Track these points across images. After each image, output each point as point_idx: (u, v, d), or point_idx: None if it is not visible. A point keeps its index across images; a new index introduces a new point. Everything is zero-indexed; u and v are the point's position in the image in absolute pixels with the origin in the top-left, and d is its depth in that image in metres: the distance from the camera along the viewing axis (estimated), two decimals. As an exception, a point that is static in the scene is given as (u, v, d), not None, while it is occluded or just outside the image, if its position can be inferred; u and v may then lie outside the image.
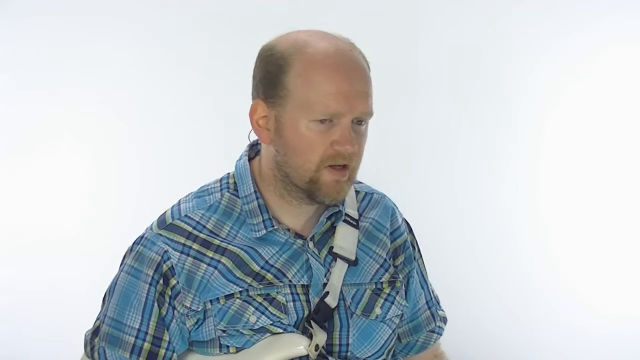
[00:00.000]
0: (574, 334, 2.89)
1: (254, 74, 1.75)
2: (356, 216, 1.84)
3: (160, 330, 1.72)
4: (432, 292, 1.97)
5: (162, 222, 1.76)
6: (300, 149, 1.67)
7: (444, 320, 1.97)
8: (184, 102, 2.95)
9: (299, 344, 1.70)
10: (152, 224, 1.78)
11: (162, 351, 1.72)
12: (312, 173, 1.67)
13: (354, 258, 1.79)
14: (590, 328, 2.88)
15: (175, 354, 1.73)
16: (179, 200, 1.81)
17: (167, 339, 1.72)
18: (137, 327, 1.72)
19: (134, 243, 1.78)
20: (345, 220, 1.81)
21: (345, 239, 1.80)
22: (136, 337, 1.72)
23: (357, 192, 1.88)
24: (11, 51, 2.87)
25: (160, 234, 1.74)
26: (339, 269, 1.77)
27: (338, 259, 1.78)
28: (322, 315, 1.73)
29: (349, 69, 1.67)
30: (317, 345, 1.70)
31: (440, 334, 1.96)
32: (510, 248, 2.94)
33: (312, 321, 1.72)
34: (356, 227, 1.82)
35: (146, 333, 1.72)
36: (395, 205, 1.93)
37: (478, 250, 2.93)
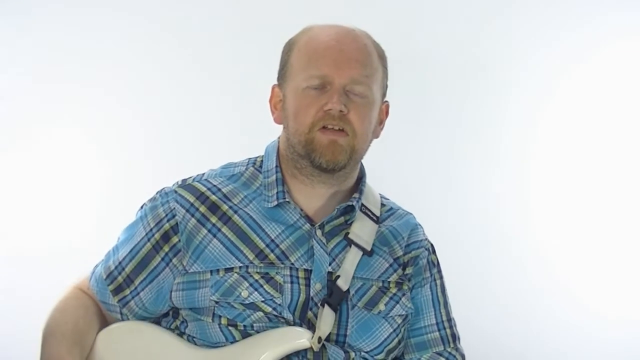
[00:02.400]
0: (571, 335, 2.87)
1: None
2: (377, 213, 1.86)
3: (135, 274, 1.79)
4: (450, 321, 1.91)
5: (183, 181, 1.84)
6: (296, 114, 1.75)
7: (463, 356, 1.91)
8: (195, 100, 2.90)
9: (302, 337, 1.70)
10: (175, 183, 1.84)
11: (127, 292, 1.80)
12: (306, 135, 1.73)
13: (369, 248, 1.80)
14: (587, 329, 2.86)
15: (134, 302, 1.79)
16: (210, 169, 1.88)
17: (136, 284, 1.79)
18: (120, 260, 1.81)
19: (158, 191, 1.85)
20: (365, 213, 1.83)
21: (363, 230, 1.81)
22: (115, 268, 1.81)
23: (382, 205, 1.90)
24: (19, 45, 2.85)
25: (176, 191, 1.81)
26: (353, 256, 1.78)
27: (352, 246, 1.79)
28: (335, 298, 1.74)
29: (343, 39, 1.76)
30: (319, 338, 1.70)
31: None
32: (505, 248, 2.92)
33: (326, 304, 1.72)
34: (376, 222, 1.84)
35: (123, 269, 1.80)
36: (420, 225, 1.94)
37: (473, 251, 2.90)
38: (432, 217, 2.65)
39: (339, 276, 1.75)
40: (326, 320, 1.72)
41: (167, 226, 1.77)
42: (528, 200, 2.93)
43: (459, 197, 2.93)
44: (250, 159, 1.88)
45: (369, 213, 1.84)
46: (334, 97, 1.72)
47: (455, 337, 1.91)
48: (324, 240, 1.78)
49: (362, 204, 1.83)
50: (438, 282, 1.92)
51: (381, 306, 1.79)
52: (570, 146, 2.92)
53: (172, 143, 2.90)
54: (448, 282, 1.94)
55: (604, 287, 2.89)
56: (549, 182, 2.92)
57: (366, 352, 1.77)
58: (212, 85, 2.89)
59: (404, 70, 2.89)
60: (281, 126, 1.83)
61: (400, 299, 1.82)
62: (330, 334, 1.73)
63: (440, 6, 2.93)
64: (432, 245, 1.94)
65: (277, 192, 1.78)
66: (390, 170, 2.90)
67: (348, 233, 1.79)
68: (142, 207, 1.85)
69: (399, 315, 1.82)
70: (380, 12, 2.91)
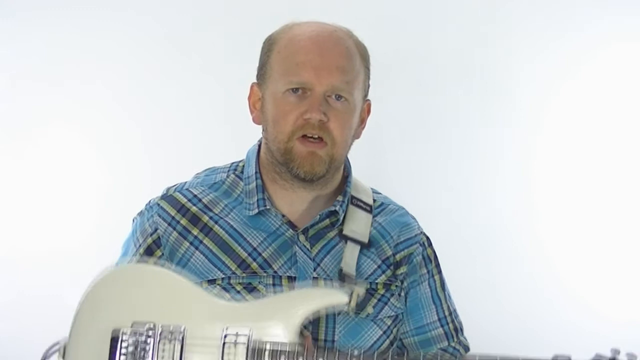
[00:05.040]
0: (575, 336, 2.80)
1: None
2: (370, 202, 1.83)
3: None
4: (451, 314, 1.89)
5: (167, 190, 1.83)
6: (275, 120, 1.73)
7: (466, 348, 1.90)
8: (194, 101, 2.90)
9: (339, 294, 1.65)
10: (163, 190, 1.85)
11: None
12: (285, 144, 1.72)
13: (366, 241, 1.78)
14: (592, 330, 2.79)
15: None
16: (195, 174, 1.88)
17: None
18: None
19: (146, 203, 1.84)
20: (358, 205, 1.81)
21: (357, 222, 1.80)
22: None
23: (373, 200, 1.86)
24: (18, 46, 2.85)
25: (158, 204, 1.81)
26: (350, 252, 1.77)
27: (349, 242, 1.77)
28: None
29: (324, 44, 1.73)
30: (358, 295, 1.69)
31: (455, 356, 1.84)
32: (508, 248, 2.88)
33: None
34: (369, 212, 1.82)
35: None
36: (414, 218, 1.90)
37: (475, 250, 2.86)
38: (436, 217, 2.65)
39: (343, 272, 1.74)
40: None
41: (149, 240, 1.78)
42: (532, 200, 2.88)
43: (461, 198, 2.89)
44: (233, 163, 1.87)
45: (361, 204, 1.82)
46: (313, 106, 1.69)
47: (457, 331, 1.88)
48: (308, 246, 1.76)
49: (352, 196, 1.81)
50: (436, 277, 1.89)
51: (369, 309, 1.77)
52: (574, 147, 2.86)
53: (171, 144, 2.89)
54: (451, 283, 1.93)
55: (608, 288, 2.84)
56: (553, 183, 2.87)
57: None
58: (211, 85, 2.89)
59: (407, 71, 2.87)
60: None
61: (389, 299, 1.80)
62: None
63: (444, 6, 2.90)
64: (427, 238, 1.90)
65: (257, 200, 1.77)
66: (394, 171, 2.87)
67: (342, 230, 1.78)
68: (134, 220, 1.84)
69: (389, 317, 1.80)
70: (382, 11, 2.88)
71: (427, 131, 2.90)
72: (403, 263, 1.83)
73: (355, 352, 1.59)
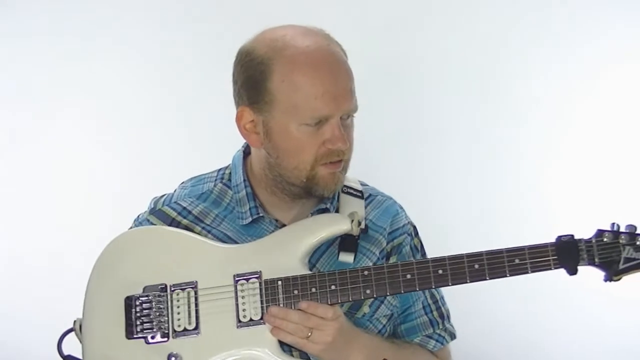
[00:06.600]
0: (586, 318, 2.78)
1: (235, 79, 1.76)
2: (360, 188, 1.85)
3: None
4: (437, 302, 1.88)
5: (154, 205, 1.84)
6: (293, 151, 1.70)
7: (452, 335, 1.90)
8: (186, 106, 2.90)
9: (342, 221, 1.72)
10: (151, 202, 1.85)
11: None
12: (308, 172, 1.71)
13: (363, 226, 1.77)
14: (604, 313, 2.77)
15: None
16: (181, 183, 1.88)
17: None
18: None
19: (134, 219, 1.85)
20: (349, 193, 1.83)
21: (352, 208, 1.80)
22: None
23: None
24: (20, 48, 2.86)
25: (148, 219, 1.81)
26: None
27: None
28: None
29: (331, 66, 1.69)
30: (359, 222, 1.73)
31: (441, 343, 1.87)
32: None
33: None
34: (361, 198, 1.83)
35: None
36: (401, 208, 1.91)
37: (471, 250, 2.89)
38: (447, 219, 2.66)
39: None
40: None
41: None
42: (529, 199, 2.85)
43: (457, 198, 2.86)
44: (219, 171, 1.86)
45: (352, 191, 1.84)
46: (338, 137, 1.68)
47: (444, 317, 1.89)
48: None
49: (343, 185, 1.83)
50: None
51: (365, 308, 1.78)
52: (590, 150, 2.81)
53: (170, 148, 2.89)
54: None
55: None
56: (550, 185, 2.83)
57: None
58: (211, 88, 2.85)
59: (422, 73, 2.83)
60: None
61: (385, 298, 1.80)
62: None
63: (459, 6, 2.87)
64: (414, 227, 1.92)
65: (250, 208, 1.77)
66: (404, 171, 2.86)
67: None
68: None
69: (384, 316, 1.81)
70: (394, 10, 2.85)
71: (421, 133, 2.89)
72: (393, 253, 1.85)
73: (366, 272, 1.66)
